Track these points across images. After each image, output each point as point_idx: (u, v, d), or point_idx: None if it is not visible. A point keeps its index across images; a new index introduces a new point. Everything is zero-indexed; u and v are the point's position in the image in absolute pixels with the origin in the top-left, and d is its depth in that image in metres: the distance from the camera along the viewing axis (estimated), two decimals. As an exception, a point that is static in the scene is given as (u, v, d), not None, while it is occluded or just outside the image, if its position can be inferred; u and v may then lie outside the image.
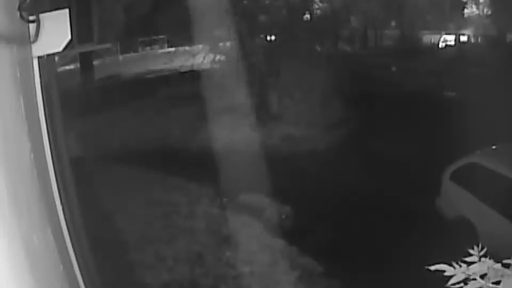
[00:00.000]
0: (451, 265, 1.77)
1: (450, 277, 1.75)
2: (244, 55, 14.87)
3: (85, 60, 18.45)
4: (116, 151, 11.21)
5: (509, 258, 1.77)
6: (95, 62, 19.73)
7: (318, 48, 16.23)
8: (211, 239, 7.52)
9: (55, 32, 2.32)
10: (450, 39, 25.61)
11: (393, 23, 25.84)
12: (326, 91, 13.51)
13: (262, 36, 15.42)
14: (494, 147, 7.70)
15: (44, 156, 2.45)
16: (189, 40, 15.95)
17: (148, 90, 16.75)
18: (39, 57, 2.36)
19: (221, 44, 15.34)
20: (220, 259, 7.00)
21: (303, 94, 13.57)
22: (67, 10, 2.40)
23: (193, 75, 15.52)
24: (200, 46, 15.63)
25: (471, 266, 1.75)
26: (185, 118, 13.59)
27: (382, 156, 10.54)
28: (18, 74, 2.09)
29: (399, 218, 7.64)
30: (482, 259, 1.77)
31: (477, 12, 26.36)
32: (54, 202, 2.50)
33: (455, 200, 7.48)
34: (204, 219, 8.22)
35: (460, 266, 1.76)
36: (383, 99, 14.10)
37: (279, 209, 8.53)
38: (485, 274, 1.74)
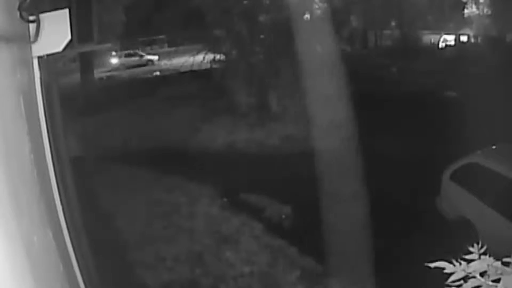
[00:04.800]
0: (451, 262, 1.77)
1: (450, 274, 1.75)
2: (244, 55, 14.88)
3: (85, 60, 18.48)
4: (116, 151, 11.22)
5: (508, 256, 1.77)
6: (95, 62, 19.78)
7: (318, 48, 16.23)
8: (211, 239, 7.52)
9: (55, 32, 2.32)
10: (450, 39, 25.63)
11: (393, 23, 25.85)
12: (326, 91, 13.51)
13: (262, 36, 15.43)
14: (494, 147, 7.70)
15: (44, 156, 2.45)
16: (189, 40, 15.99)
17: (148, 90, 16.78)
18: (39, 57, 2.36)
19: (221, 44, 15.36)
20: (220, 259, 7.00)
21: (303, 94, 13.57)
22: (67, 10, 2.40)
23: (193, 75, 15.54)
24: (200, 46, 15.66)
25: (471, 264, 1.76)
26: (185, 118, 13.60)
27: (382, 156, 10.53)
28: (18, 74, 2.09)
29: (399, 218, 7.64)
30: (482, 257, 1.77)
31: (477, 12, 26.37)
32: (54, 202, 2.50)
33: (455, 200, 7.48)
34: (204, 219, 8.22)
35: (460, 263, 1.76)
36: (383, 99, 14.11)
37: (279, 209, 8.53)
38: (485, 272, 1.75)
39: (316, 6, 17.76)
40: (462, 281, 1.74)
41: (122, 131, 12.92)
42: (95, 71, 19.22)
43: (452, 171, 7.62)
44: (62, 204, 2.55)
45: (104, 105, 14.75)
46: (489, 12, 25.39)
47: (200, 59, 15.57)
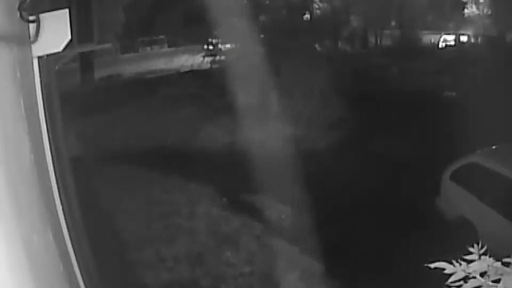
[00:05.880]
0: (451, 263, 1.77)
1: (450, 275, 1.75)
2: (244, 55, 14.88)
3: (85, 60, 18.46)
4: (116, 151, 11.21)
5: (508, 256, 1.77)
6: (95, 62, 19.75)
7: (318, 48, 16.25)
8: (211, 239, 7.52)
9: (55, 32, 2.31)
10: (450, 39, 25.60)
11: (393, 23, 25.82)
12: (326, 91, 13.52)
13: (262, 36, 15.43)
14: (494, 147, 7.70)
15: (44, 156, 2.45)
16: (189, 40, 15.98)
17: (148, 90, 16.76)
18: (39, 57, 2.36)
19: (221, 44, 15.36)
20: (220, 259, 7.00)
21: (303, 94, 13.57)
22: (67, 10, 2.40)
23: (193, 75, 15.53)
24: (200, 46, 15.66)
25: (471, 264, 1.76)
26: (185, 118, 13.59)
27: (382, 156, 10.53)
28: (18, 74, 2.09)
29: (399, 218, 7.64)
30: (482, 257, 1.77)
31: (477, 12, 26.33)
32: (54, 202, 2.50)
33: (455, 200, 7.48)
34: (204, 219, 8.22)
35: (460, 264, 1.76)
36: (383, 99, 14.10)
37: (279, 209, 8.53)
38: (485, 272, 1.74)
39: (316, 6, 17.79)
40: (462, 282, 1.74)
41: (122, 131, 12.91)
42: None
43: (452, 171, 7.62)
44: (62, 204, 2.54)
45: (103, 105, 14.73)
46: (489, 12, 25.36)
47: (200, 59, 15.56)
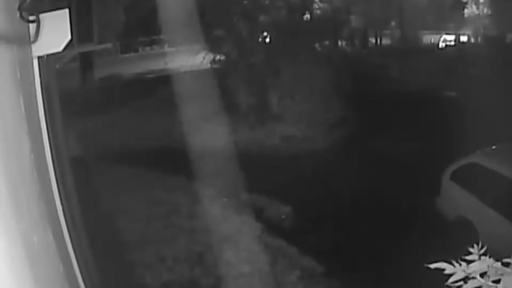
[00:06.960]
0: (451, 263, 1.77)
1: (450, 275, 1.75)
2: (244, 55, 14.88)
3: (85, 60, 18.45)
4: (116, 151, 11.21)
5: (508, 257, 1.77)
6: (95, 62, 19.75)
7: (318, 48, 16.23)
8: (211, 239, 7.52)
9: (55, 32, 2.31)
10: (450, 39, 25.62)
11: (393, 23, 25.83)
12: (326, 91, 13.51)
13: (262, 36, 15.44)
14: (494, 147, 7.70)
15: (44, 156, 2.45)
16: (189, 40, 15.95)
17: (148, 90, 16.77)
18: (39, 57, 2.36)
19: (221, 44, 15.36)
20: (220, 259, 7.00)
21: (303, 94, 13.57)
22: (67, 10, 2.40)
23: (193, 75, 15.52)
24: (200, 46, 15.64)
25: (471, 265, 1.76)
26: (185, 118, 13.59)
27: (382, 156, 10.54)
28: (18, 74, 2.09)
29: (399, 218, 7.65)
30: (482, 257, 1.77)
31: (477, 12, 26.33)
32: (54, 202, 2.50)
33: (455, 200, 7.48)
34: (204, 219, 8.22)
35: (460, 264, 1.76)
36: (383, 99, 14.11)
37: (279, 209, 8.53)
38: (485, 273, 1.74)
39: (316, 6, 17.77)
40: (462, 282, 1.74)
41: (122, 131, 12.92)
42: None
43: (452, 171, 7.62)
44: (62, 204, 2.54)
45: (104, 105, 14.74)
46: (489, 12, 25.37)
47: (200, 59, 15.54)
